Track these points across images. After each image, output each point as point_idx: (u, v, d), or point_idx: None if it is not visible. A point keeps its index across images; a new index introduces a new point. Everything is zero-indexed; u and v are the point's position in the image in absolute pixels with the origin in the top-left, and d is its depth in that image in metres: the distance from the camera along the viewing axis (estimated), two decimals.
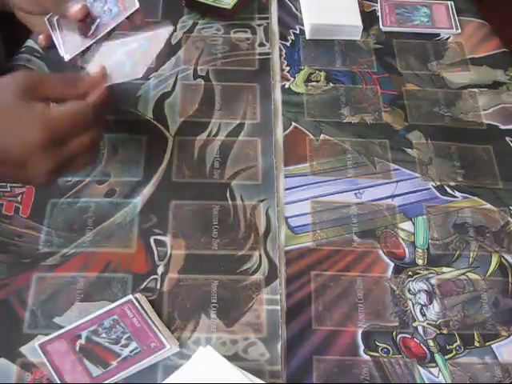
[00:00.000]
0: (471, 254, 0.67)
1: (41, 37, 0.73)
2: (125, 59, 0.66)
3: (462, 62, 0.85)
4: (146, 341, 0.58)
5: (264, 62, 0.84)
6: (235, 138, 0.75)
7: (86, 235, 0.66)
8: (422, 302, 0.64)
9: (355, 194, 0.71)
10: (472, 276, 0.66)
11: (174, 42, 0.85)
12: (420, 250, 0.67)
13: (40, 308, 0.61)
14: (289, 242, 0.67)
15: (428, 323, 0.62)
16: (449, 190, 0.72)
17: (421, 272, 0.66)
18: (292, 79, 0.82)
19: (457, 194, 0.72)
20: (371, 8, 0.92)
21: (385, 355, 0.60)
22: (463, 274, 0.66)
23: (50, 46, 0.72)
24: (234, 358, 0.58)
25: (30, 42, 0.83)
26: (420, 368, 0.60)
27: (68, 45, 0.69)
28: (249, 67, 0.83)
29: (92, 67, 0.64)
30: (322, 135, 0.76)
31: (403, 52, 0.86)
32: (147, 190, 0.70)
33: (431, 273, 0.66)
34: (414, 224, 0.69)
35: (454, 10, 0.91)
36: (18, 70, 0.59)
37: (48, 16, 0.68)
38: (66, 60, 0.70)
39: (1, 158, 0.55)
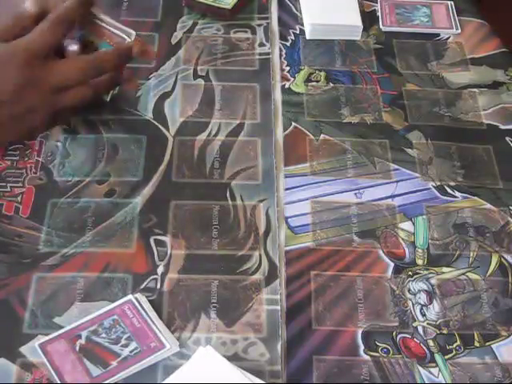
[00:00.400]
0: (471, 254, 0.67)
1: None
2: None
3: (461, 62, 0.85)
4: (146, 341, 0.58)
5: (264, 62, 0.84)
6: (235, 138, 0.75)
7: (85, 235, 0.66)
8: (422, 302, 0.64)
9: (355, 193, 0.71)
10: (472, 276, 0.66)
11: (173, 42, 0.85)
12: (420, 250, 0.67)
13: (40, 308, 0.61)
14: (289, 242, 0.67)
15: (428, 323, 0.62)
16: (449, 190, 0.72)
17: (421, 272, 0.66)
18: (292, 79, 0.82)
19: (457, 193, 0.72)
20: (371, 8, 0.92)
21: (385, 355, 0.60)
22: (463, 273, 0.66)
23: None
24: (233, 358, 0.58)
25: None
26: (420, 368, 0.60)
27: None
28: (249, 67, 0.83)
29: None
30: (321, 135, 0.76)
31: (403, 52, 0.87)
32: (147, 190, 0.70)
33: (431, 273, 0.66)
34: (413, 224, 0.69)
35: (454, 10, 0.91)
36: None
37: None
38: None
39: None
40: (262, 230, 0.68)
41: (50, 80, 0.63)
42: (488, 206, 0.71)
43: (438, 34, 0.89)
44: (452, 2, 0.92)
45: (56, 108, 0.65)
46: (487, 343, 0.61)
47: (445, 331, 0.62)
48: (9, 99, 0.61)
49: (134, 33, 0.69)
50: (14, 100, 0.61)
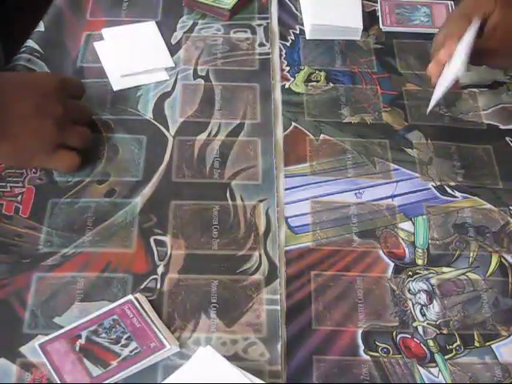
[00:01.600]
0: (471, 254, 0.67)
1: None
2: None
3: None
4: (146, 341, 0.58)
5: (264, 62, 0.84)
6: (235, 138, 0.75)
7: (86, 235, 0.66)
8: (422, 302, 0.64)
9: (355, 193, 0.71)
10: (472, 276, 0.66)
11: (173, 42, 0.85)
12: (420, 250, 0.67)
13: (40, 308, 0.61)
14: (289, 242, 0.67)
15: (428, 323, 0.62)
16: (449, 189, 0.72)
17: (421, 272, 0.66)
18: (292, 79, 0.82)
19: (457, 193, 0.72)
20: (371, 8, 0.92)
21: (385, 355, 0.60)
22: (463, 273, 0.66)
23: None
24: (233, 358, 0.58)
25: (29, 42, 0.83)
26: (420, 368, 0.60)
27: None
28: (249, 67, 0.83)
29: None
30: (321, 135, 0.76)
31: (403, 52, 0.86)
32: (147, 190, 0.70)
33: (431, 273, 0.66)
34: (413, 224, 0.69)
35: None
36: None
37: None
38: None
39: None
40: (262, 229, 0.68)
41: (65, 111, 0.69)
42: (488, 205, 0.71)
43: None
44: (452, 2, 0.92)
45: (63, 139, 0.69)
46: (487, 343, 0.61)
47: (445, 331, 0.62)
48: (30, 113, 0.66)
49: None
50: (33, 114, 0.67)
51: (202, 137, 0.75)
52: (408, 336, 0.62)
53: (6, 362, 0.58)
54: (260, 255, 0.66)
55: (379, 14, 0.90)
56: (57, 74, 0.74)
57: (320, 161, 0.74)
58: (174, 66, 0.82)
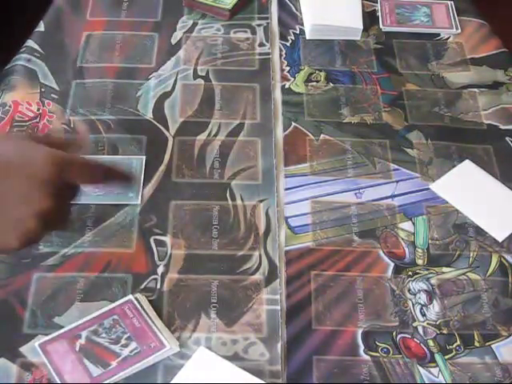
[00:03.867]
0: (471, 254, 0.67)
1: None
2: None
3: (461, 62, 0.85)
4: (146, 341, 0.58)
5: (264, 62, 0.84)
6: (235, 138, 0.75)
7: (86, 235, 0.66)
8: (422, 302, 0.64)
9: (355, 193, 0.71)
10: (472, 276, 0.66)
11: (173, 42, 0.85)
12: (420, 250, 0.67)
13: (40, 308, 0.61)
14: (289, 242, 0.67)
15: (428, 323, 0.62)
16: None
17: (421, 272, 0.66)
18: (292, 79, 0.82)
19: None
20: (371, 8, 0.92)
21: (385, 355, 0.60)
22: (463, 273, 0.66)
23: None
24: (233, 358, 0.58)
25: (29, 42, 0.83)
26: (420, 368, 0.60)
27: None
28: (249, 67, 0.83)
29: None
30: (321, 135, 0.76)
31: (403, 52, 0.86)
32: (147, 190, 0.70)
33: (431, 273, 0.66)
34: (414, 224, 0.69)
35: (454, 10, 0.91)
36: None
37: None
38: None
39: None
40: (262, 229, 0.68)
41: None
42: None
43: (438, 34, 0.89)
44: (452, 2, 0.92)
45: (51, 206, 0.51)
46: (487, 343, 0.61)
47: (445, 331, 0.62)
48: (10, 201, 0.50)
49: None
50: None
51: (202, 137, 0.75)
52: (408, 336, 0.62)
53: (6, 361, 0.58)
54: (260, 255, 0.66)
55: (379, 13, 0.90)
56: (56, 158, 0.50)
57: (320, 161, 0.74)
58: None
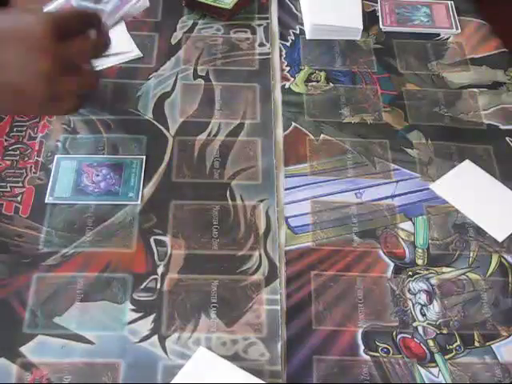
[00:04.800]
0: (471, 254, 0.67)
1: None
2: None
3: (461, 62, 0.86)
4: None
5: (264, 62, 0.84)
6: (235, 138, 0.75)
7: (86, 235, 0.66)
8: (422, 302, 0.64)
9: (355, 193, 0.71)
10: (472, 276, 0.66)
11: (173, 42, 0.85)
12: (420, 250, 0.67)
13: (40, 308, 0.61)
14: (289, 241, 0.67)
15: (428, 323, 0.62)
16: None
17: (421, 272, 0.66)
18: (292, 79, 0.82)
19: None
20: (371, 8, 0.92)
21: (385, 355, 0.60)
22: (463, 273, 0.66)
23: None
24: (233, 358, 0.58)
25: None
26: (420, 368, 0.60)
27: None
28: (249, 67, 0.83)
29: None
30: (321, 135, 0.76)
31: (403, 52, 0.87)
32: (147, 190, 0.70)
33: (431, 273, 0.66)
34: (414, 224, 0.69)
35: (454, 10, 0.91)
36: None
37: None
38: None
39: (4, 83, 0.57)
40: (261, 229, 0.68)
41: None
42: None
43: (438, 34, 0.89)
44: (452, 2, 0.92)
45: (60, 88, 0.59)
46: (487, 343, 0.61)
47: (445, 331, 0.62)
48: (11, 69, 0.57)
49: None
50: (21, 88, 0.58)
51: (202, 137, 0.75)
52: (408, 336, 0.62)
53: (6, 361, 0.58)
54: (260, 255, 0.66)
55: (379, 14, 0.90)
56: (48, 16, 0.58)
57: (320, 161, 0.74)
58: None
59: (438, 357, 0.60)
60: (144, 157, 0.72)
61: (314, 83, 0.82)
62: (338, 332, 0.61)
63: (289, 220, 0.69)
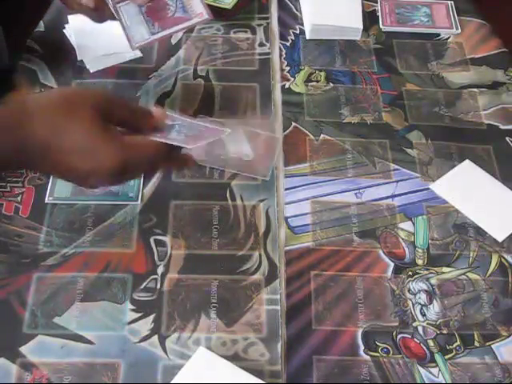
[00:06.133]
0: (471, 254, 0.67)
1: None
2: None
3: (461, 62, 0.85)
4: None
5: (264, 62, 0.84)
6: None
7: (86, 235, 0.66)
8: (422, 302, 0.64)
9: (355, 193, 0.71)
10: (472, 276, 0.66)
11: (173, 42, 0.85)
12: (420, 250, 0.67)
13: (40, 308, 0.61)
14: (289, 241, 0.67)
15: (428, 323, 0.62)
16: None
17: (421, 272, 0.66)
18: (292, 79, 0.82)
19: None
20: (371, 8, 0.92)
21: (385, 355, 0.60)
22: (463, 273, 0.66)
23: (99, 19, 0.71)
24: (233, 358, 0.58)
25: (29, 42, 0.83)
26: (420, 368, 0.60)
27: (134, 34, 0.68)
28: (249, 67, 0.83)
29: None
30: (321, 135, 0.76)
31: (403, 52, 0.86)
32: (147, 190, 0.70)
33: (431, 273, 0.66)
34: (414, 224, 0.69)
35: (454, 10, 0.91)
36: (89, 90, 0.54)
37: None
38: (133, 49, 0.70)
39: (72, 174, 0.52)
40: (261, 230, 0.68)
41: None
42: None
43: (438, 34, 0.89)
44: (452, 2, 0.92)
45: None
46: (487, 343, 0.61)
47: (445, 331, 0.62)
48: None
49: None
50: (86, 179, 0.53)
51: None
52: (408, 336, 0.62)
53: (5, 361, 0.58)
54: (260, 255, 0.66)
55: (379, 13, 0.90)
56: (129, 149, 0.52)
57: (320, 161, 0.74)
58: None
59: (438, 357, 0.60)
60: None
61: (314, 83, 0.82)
62: (337, 332, 0.61)
63: (289, 220, 0.69)
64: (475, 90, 0.82)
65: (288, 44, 0.87)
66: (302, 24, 0.89)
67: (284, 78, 0.82)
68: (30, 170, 0.58)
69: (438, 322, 0.62)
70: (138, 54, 0.82)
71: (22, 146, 0.49)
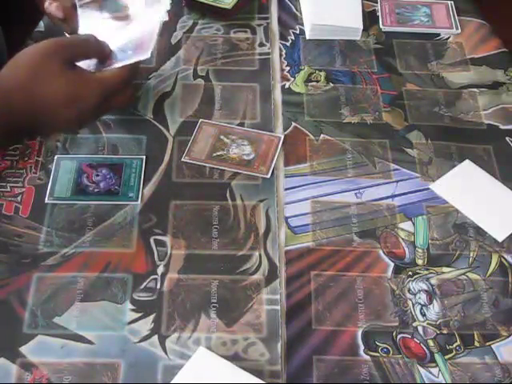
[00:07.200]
0: (471, 254, 0.67)
1: (56, 5, 0.73)
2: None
3: (461, 62, 0.86)
4: None
5: (264, 62, 0.84)
6: None
7: (86, 235, 0.66)
8: (422, 302, 0.64)
9: (355, 193, 0.71)
10: (472, 276, 0.66)
11: (173, 42, 0.85)
12: (420, 250, 0.67)
13: (40, 308, 0.61)
14: (289, 241, 0.67)
15: (428, 323, 0.62)
16: None
17: (421, 272, 0.66)
18: (292, 79, 0.82)
19: None
20: (371, 8, 0.92)
21: (385, 355, 0.60)
22: (463, 273, 0.66)
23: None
24: (234, 358, 0.58)
25: (29, 42, 0.83)
26: (420, 368, 0.60)
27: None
28: (249, 67, 0.83)
29: None
30: (321, 135, 0.76)
31: (403, 52, 0.87)
32: (147, 190, 0.70)
33: (431, 273, 0.66)
34: (414, 224, 0.69)
35: (454, 10, 0.91)
36: (50, 45, 0.60)
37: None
38: None
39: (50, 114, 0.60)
40: (262, 230, 0.68)
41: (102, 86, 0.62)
42: None
43: (438, 34, 0.89)
44: (452, 2, 0.92)
45: (105, 110, 0.65)
46: (487, 343, 0.61)
47: (445, 331, 0.62)
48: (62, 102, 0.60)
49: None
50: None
51: None
52: (408, 336, 0.62)
53: (6, 361, 0.58)
54: (260, 255, 0.66)
55: (379, 13, 0.90)
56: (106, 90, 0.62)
57: (320, 161, 0.74)
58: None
59: (437, 357, 0.60)
60: (144, 157, 0.72)
61: (314, 83, 0.82)
62: (337, 332, 0.61)
63: (289, 220, 0.69)
64: (475, 89, 0.82)
65: (288, 44, 0.87)
66: (302, 24, 0.89)
67: (284, 78, 0.82)
68: (19, 132, 0.62)
69: (438, 322, 0.62)
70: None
71: (7, 109, 0.58)
